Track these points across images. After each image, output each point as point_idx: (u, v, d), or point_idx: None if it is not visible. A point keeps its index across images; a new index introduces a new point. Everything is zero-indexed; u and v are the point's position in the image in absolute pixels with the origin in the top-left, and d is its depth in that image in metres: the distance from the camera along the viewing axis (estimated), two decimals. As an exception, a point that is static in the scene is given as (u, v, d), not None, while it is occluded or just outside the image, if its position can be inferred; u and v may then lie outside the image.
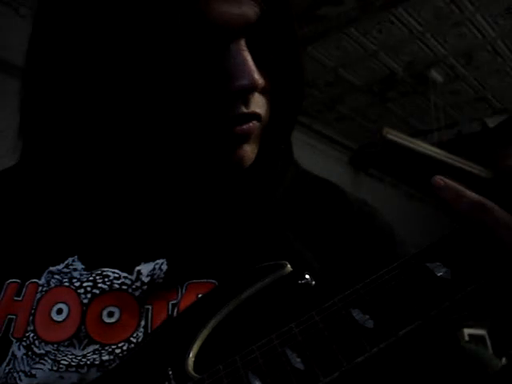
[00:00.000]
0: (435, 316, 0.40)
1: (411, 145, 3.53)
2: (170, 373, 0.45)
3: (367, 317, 0.40)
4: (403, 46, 3.45)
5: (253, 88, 0.50)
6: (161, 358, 0.47)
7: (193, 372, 0.44)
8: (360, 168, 5.09)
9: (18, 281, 0.56)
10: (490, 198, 0.42)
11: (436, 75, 3.72)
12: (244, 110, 0.51)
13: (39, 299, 0.54)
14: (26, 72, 0.56)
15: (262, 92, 0.53)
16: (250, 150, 0.54)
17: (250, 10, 0.50)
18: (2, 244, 0.59)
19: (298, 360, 0.40)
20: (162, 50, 0.48)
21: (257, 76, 0.49)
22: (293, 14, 0.56)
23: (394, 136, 3.45)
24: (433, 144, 3.78)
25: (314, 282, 0.47)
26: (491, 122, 4.30)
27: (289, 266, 0.48)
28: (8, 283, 0.56)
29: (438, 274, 0.41)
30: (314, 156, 4.20)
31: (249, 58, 0.50)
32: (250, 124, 0.52)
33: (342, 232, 0.59)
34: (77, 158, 0.56)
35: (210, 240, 0.56)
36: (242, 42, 0.50)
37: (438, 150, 3.63)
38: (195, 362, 0.45)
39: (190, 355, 0.45)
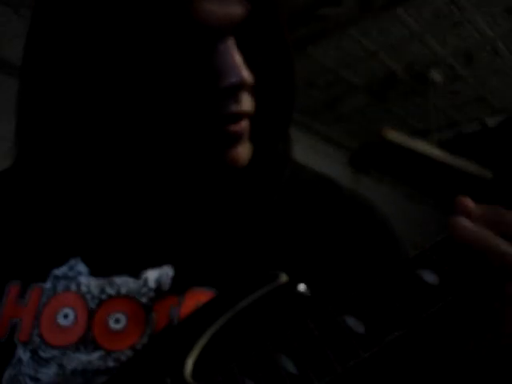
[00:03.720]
0: (423, 321, 0.41)
1: (411, 145, 3.53)
2: (169, 381, 0.45)
3: (359, 322, 0.41)
4: (403, 46, 3.45)
5: (242, 85, 0.50)
6: (159, 366, 0.47)
7: (191, 380, 0.45)
8: (360, 168, 5.09)
9: (19, 282, 0.56)
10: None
11: (436, 75, 3.71)
12: (235, 108, 0.51)
13: (45, 303, 0.54)
14: (23, 72, 0.56)
15: (252, 90, 0.53)
16: (243, 151, 0.54)
17: (237, 10, 0.50)
18: (1, 245, 0.59)
19: (293, 365, 0.41)
20: (150, 50, 0.48)
21: (245, 73, 0.50)
22: (280, 14, 0.56)
23: (394, 136, 3.45)
24: (433, 144, 3.78)
25: (309, 292, 0.48)
26: (491, 122, 4.29)
27: (284, 275, 0.48)
28: (10, 285, 0.56)
29: (427, 281, 0.41)
30: (313, 156, 4.20)
31: (237, 56, 0.50)
32: (242, 124, 0.52)
33: (340, 233, 0.59)
34: (75, 159, 0.56)
35: (213, 246, 0.56)
36: (231, 41, 0.50)
37: (438, 150, 3.63)
38: (193, 370, 0.46)
39: (189, 363, 0.45)
